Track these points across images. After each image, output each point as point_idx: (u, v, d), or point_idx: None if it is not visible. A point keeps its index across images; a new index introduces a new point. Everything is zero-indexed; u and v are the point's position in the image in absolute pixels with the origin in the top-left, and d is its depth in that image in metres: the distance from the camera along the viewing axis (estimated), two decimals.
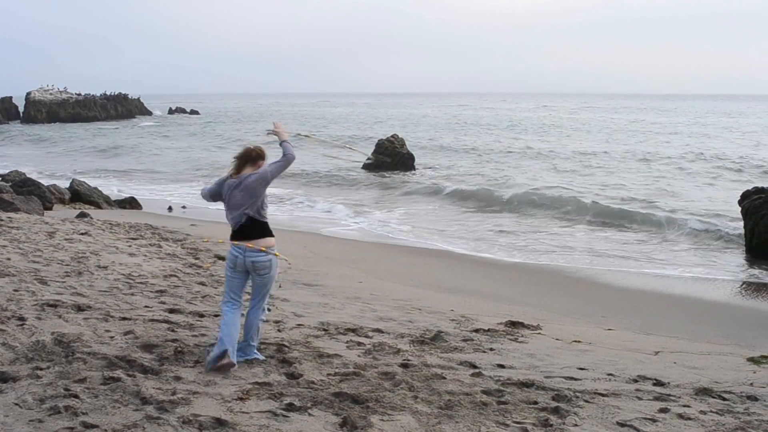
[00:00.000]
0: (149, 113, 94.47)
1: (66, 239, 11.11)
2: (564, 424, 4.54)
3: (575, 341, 7.14)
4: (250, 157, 5.53)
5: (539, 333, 7.47)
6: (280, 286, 9.18)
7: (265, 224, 5.49)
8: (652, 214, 19.17)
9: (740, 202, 15.05)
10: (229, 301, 5.48)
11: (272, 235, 5.49)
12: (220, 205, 5.67)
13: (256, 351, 5.62)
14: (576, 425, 4.54)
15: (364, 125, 68.83)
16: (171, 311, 7.10)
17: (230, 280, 5.49)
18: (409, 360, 5.83)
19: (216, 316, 7.07)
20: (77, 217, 15.32)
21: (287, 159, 5.51)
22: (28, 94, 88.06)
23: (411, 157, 32.32)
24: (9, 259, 9.02)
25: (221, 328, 5.33)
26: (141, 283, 8.46)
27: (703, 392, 5.41)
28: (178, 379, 5.03)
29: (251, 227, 5.41)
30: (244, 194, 5.38)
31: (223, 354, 5.18)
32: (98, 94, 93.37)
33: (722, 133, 56.60)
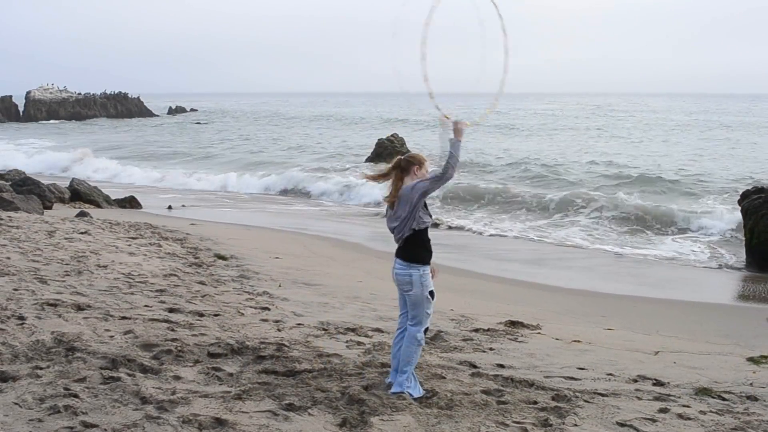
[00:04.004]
0: (149, 112, 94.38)
1: (66, 238, 11.11)
2: (564, 423, 4.54)
3: (575, 341, 7.14)
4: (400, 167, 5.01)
5: (539, 333, 7.46)
6: (279, 285, 9.19)
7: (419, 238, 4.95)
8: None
9: (740, 202, 15.05)
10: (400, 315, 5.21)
11: (427, 250, 4.98)
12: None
13: (407, 383, 4.97)
14: (576, 425, 4.54)
15: None
16: (171, 310, 7.10)
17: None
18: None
19: (216, 315, 7.08)
20: (77, 216, 15.31)
21: (444, 174, 4.78)
22: (28, 93, 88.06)
23: None
24: (9, 258, 9.02)
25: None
26: (141, 282, 8.46)
27: (703, 392, 5.42)
28: (177, 378, 5.04)
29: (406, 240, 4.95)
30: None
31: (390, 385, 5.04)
32: (98, 93, 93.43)
33: None
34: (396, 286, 5.06)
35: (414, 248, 4.94)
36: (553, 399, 5.01)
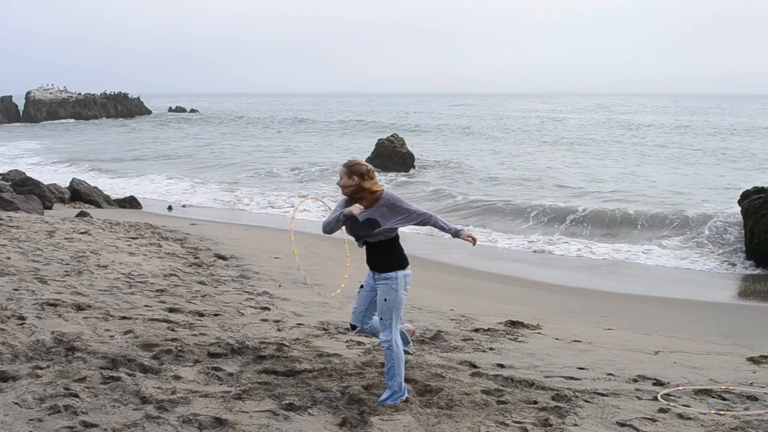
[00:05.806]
0: (149, 112, 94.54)
1: (66, 238, 11.11)
2: (564, 423, 4.54)
3: (575, 341, 7.14)
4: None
5: (539, 333, 7.46)
6: (280, 286, 9.19)
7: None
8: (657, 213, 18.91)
9: (740, 202, 15.06)
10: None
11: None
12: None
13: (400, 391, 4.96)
14: (576, 425, 4.54)
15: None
16: (171, 310, 7.10)
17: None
18: (408, 359, 5.82)
19: (216, 315, 7.08)
20: (77, 216, 15.32)
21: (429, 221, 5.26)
22: (28, 93, 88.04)
23: (411, 157, 32.29)
24: (9, 258, 9.02)
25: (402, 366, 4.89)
26: (141, 282, 8.46)
27: (703, 392, 5.41)
28: (177, 378, 5.04)
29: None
30: None
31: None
32: (98, 94, 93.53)
33: None
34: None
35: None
36: (553, 399, 5.01)
